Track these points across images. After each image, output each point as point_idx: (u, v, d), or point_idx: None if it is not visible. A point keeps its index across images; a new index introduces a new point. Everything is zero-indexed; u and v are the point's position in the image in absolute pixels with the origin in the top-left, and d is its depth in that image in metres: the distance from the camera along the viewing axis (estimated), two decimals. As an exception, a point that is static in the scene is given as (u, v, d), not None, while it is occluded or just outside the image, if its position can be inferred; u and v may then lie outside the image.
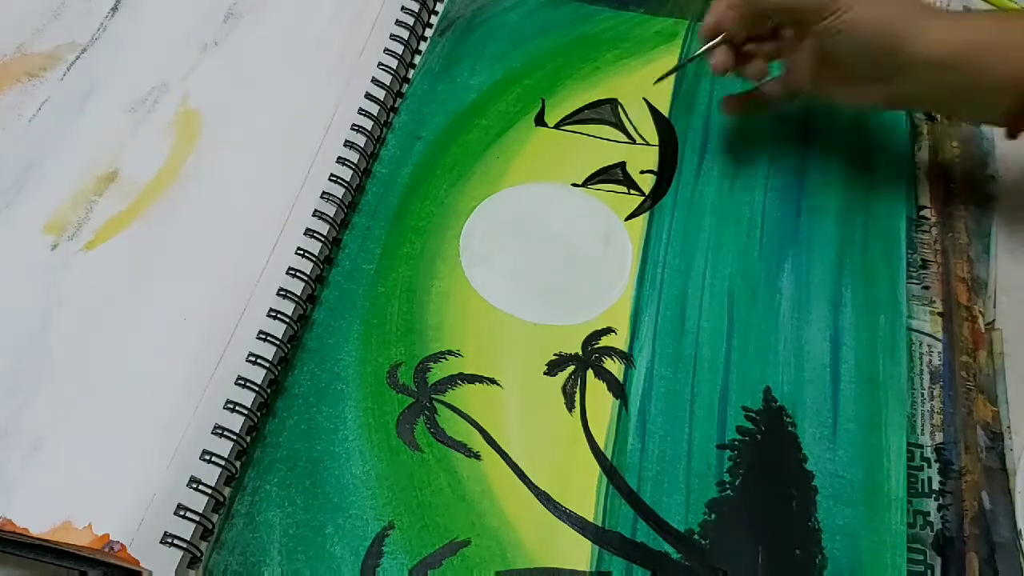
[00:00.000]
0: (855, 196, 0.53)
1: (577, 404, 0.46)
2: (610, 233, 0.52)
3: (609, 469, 0.44)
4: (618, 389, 0.47)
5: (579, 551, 0.42)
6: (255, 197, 0.51)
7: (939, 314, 0.49)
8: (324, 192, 0.52)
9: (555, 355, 0.48)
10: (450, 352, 0.48)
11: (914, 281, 0.50)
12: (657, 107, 0.58)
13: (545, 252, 0.52)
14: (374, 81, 0.57)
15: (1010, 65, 0.44)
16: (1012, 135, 0.47)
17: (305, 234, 0.50)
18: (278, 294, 0.48)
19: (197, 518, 0.42)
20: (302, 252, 0.49)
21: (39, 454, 0.42)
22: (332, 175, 0.52)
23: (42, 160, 0.53)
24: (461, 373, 0.47)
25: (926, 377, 0.47)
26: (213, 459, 0.43)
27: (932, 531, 0.43)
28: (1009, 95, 0.44)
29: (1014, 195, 0.54)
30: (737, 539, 0.42)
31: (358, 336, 0.48)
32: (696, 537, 0.42)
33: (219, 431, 0.44)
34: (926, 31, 0.44)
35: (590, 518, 0.43)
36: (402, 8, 0.61)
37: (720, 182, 0.54)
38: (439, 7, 0.63)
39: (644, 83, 0.58)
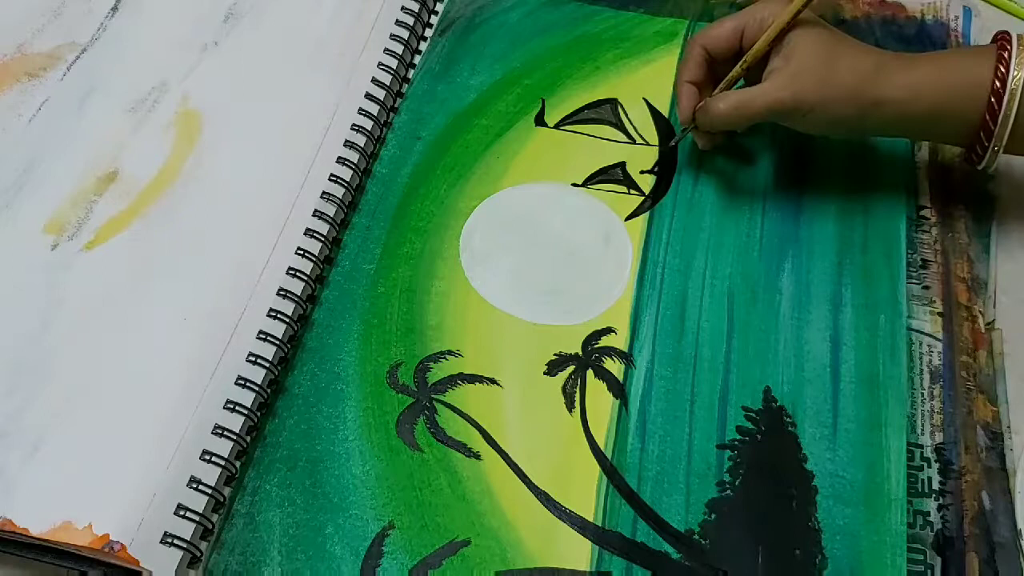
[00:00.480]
0: (855, 196, 0.53)
1: (577, 404, 0.46)
2: (610, 233, 0.52)
3: (609, 469, 0.44)
4: (618, 389, 0.47)
5: (579, 551, 0.42)
6: (255, 197, 0.51)
7: (939, 314, 0.49)
8: (324, 192, 0.52)
9: (555, 355, 0.48)
10: (450, 352, 0.48)
11: (914, 281, 0.50)
12: (657, 107, 0.58)
13: (545, 252, 0.52)
14: (374, 81, 0.57)
15: (953, 104, 0.47)
16: (969, 161, 0.49)
17: (305, 234, 0.50)
18: (278, 294, 0.48)
19: (197, 518, 0.42)
20: (302, 252, 0.49)
21: (39, 454, 0.42)
22: (332, 175, 0.52)
23: (42, 160, 0.53)
24: (461, 373, 0.47)
25: (926, 377, 0.47)
26: (213, 459, 0.43)
27: (932, 531, 0.43)
28: (962, 126, 0.47)
29: (1014, 195, 0.54)
30: (737, 539, 0.42)
31: (358, 336, 0.48)
32: (696, 537, 0.42)
33: (219, 431, 0.44)
34: (879, 87, 0.47)
35: (590, 518, 0.43)
36: (402, 8, 0.61)
37: (720, 182, 0.54)
38: (439, 7, 0.63)
39: (644, 83, 0.58)
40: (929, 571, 0.42)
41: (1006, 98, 0.45)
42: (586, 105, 0.58)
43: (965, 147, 0.49)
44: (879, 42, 0.60)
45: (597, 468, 0.44)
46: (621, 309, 0.49)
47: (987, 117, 0.46)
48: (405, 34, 0.60)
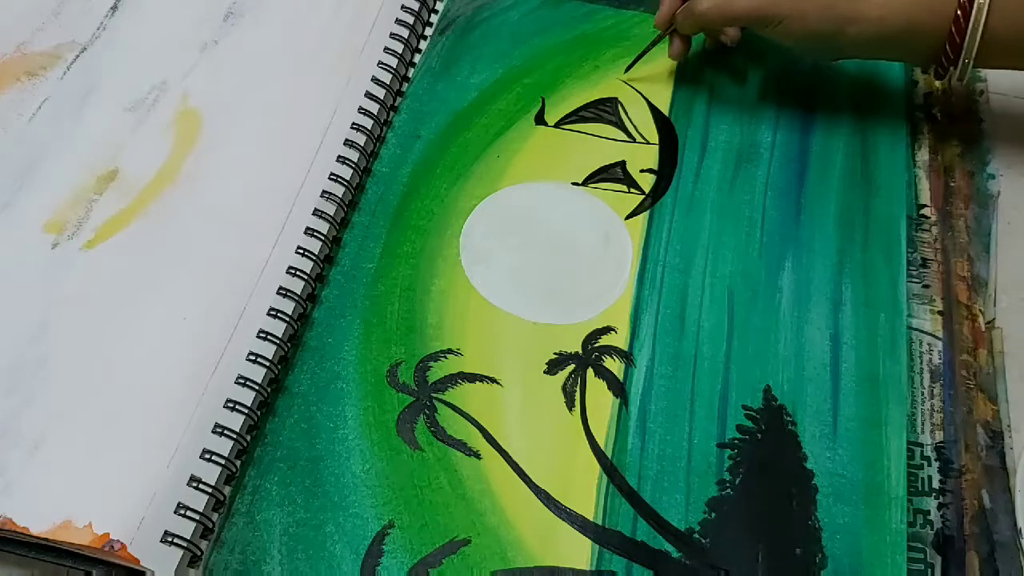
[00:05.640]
0: (855, 196, 0.53)
1: (577, 403, 0.46)
2: (610, 232, 0.52)
3: (609, 468, 0.44)
4: (618, 388, 0.47)
5: (579, 550, 0.42)
6: (255, 196, 0.51)
7: (939, 313, 0.49)
8: (324, 191, 0.52)
9: (555, 354, 0.48)
10: (450, 351, 0.48)
11: (914, 280, 0.50)
12: (657, 106, 0.58)
13: (545, 251, 0.52)
14: (374, 80, 0.57)
15: (932, 15, 0.49)
16: (939, 76, 0.52)
17: (305, 233, 0.50)
18: (278, 293, 0.48)
19: (197, 517, 0.42)
20: (302, 251, 0.49)
21: (39, 454, 0.42)
22: (332, 174, 0.52)
23: (42, 159, 0.53)
24: (461, 372, 0.47)
25: (926, 376, 0.47)
26: (213, 458, 0.43)
27: (932, 530, 0.43)
28: (932, 42, 0.50)
29: (1014, 195, 0.54)
30: (737, 538, 0.42)
31: (358, 335, 0.48)
32: (696, 536, 0.42)
33: (219, 430, 0.44)
34: (855, 2, 0.50)
35: (590, 517, 0.43)
36: (402, 7, 0.61)
37: (720, 181, 0.54)
38: (439, 6, 0.63)
39: (643, 82, 0.58)
40: (929, 570, 0.42)
41: (973, 12, 0.47)
42: (586, 104, 0.58)
43: (939, 66, 0.51)
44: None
45: (597, 467, 0.44)
46: (621, 308, 0.49)
47: (953, 30, 0.48)
48: (405, 33, 0.60)
